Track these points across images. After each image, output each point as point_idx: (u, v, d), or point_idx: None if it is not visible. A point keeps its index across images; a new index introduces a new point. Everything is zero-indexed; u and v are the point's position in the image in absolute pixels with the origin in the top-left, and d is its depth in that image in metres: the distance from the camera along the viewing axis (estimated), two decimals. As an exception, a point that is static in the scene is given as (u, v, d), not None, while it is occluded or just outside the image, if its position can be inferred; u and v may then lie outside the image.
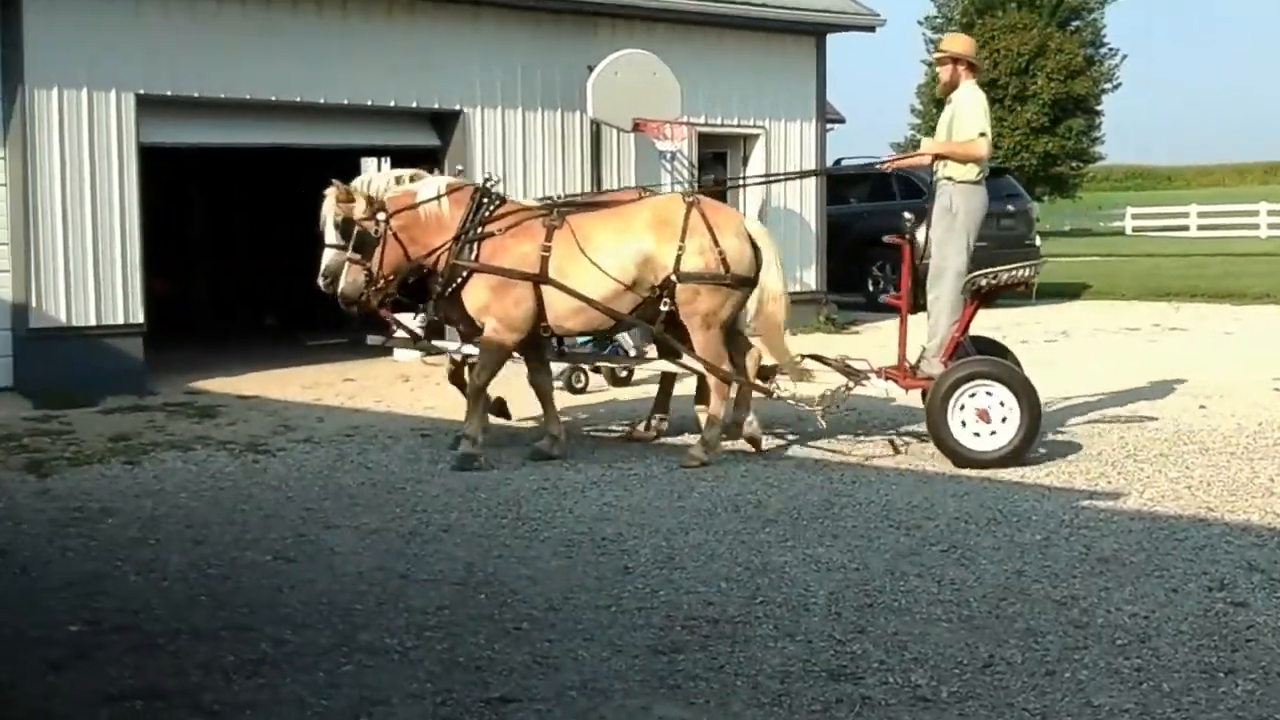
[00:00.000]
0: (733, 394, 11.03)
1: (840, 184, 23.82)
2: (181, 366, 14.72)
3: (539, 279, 10.55)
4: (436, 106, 16.84)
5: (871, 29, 21.21)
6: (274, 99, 15.58)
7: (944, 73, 11.22)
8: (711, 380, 10.82)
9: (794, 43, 20.18)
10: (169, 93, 14.79)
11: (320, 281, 10.69)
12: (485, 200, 10.78)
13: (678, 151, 18.28)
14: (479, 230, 10.63)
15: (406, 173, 11.07)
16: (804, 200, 20.28)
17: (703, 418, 10.98)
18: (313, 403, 13.82)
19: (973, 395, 10.41)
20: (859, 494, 9.63)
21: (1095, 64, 55.83)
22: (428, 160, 17.03)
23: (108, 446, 11.25)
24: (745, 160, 19.88)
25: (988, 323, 20.70)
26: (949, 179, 10.99)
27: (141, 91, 14.57)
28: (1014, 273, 11.04)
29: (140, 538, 8.49)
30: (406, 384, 13.80)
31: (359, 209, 10.44)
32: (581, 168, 17.91)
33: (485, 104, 17.07)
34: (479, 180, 11.31)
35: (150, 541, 8.37)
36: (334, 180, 10.81)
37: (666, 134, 17.81)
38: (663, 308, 10.68)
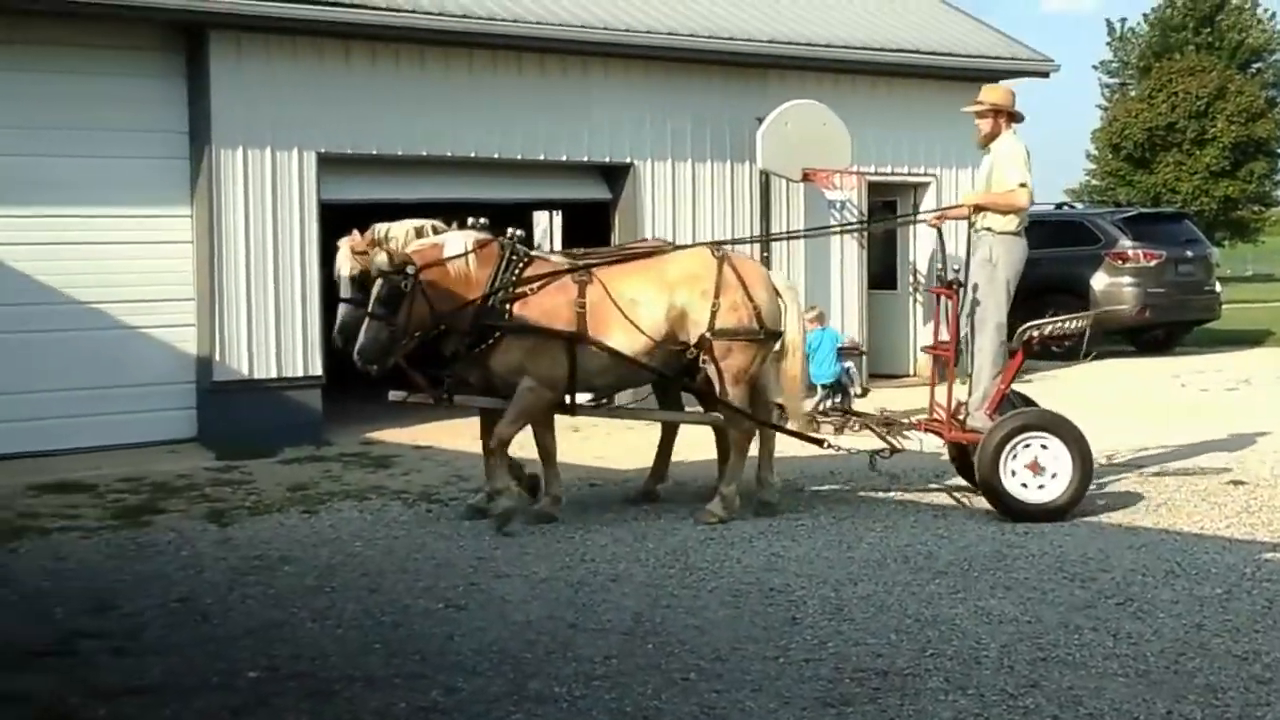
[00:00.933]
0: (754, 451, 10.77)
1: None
2: (356, 418, 15.03)
3: (577, 338, 10.22)
4: (607, 160, 17.00)
5: (1045, 75, 20.96)
6: (449, 155, 15.87)
7: (984, 124, 11.02)
8: (733, 435, 10.62)
9: (964, 89, 19.87)
10: (349, 150, 15.15)
11: (336, 339, 10.23)
12: (514, 256, 10.34)
13: (847, 201, 18.24)
14: (511, 288, 10.21)
15: (426, 223, 10.58)
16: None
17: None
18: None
19: (1027, 446, 10.24)
20: (1031, 545, 9.48)
21: (1277, 106, 54.52)
22: (600, 213, 17.25)
23: (286, 496, 11.51)
24: (915, 208, 19.73)
25: (1167, 369, 20.31)
26: (988, 229, 10.76)
27: (322, 150, 14.94)
28: (1063, 325, 11.11)
29: (317, 586, 8.66)
30: (577, 434, 13.91)
31: (381, 261, 9.88)
32: (751, 218, 17.93)
33: (655, 156, 17.20)
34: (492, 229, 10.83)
35: (326, 589, 8.55)
36: (353, 230, 10.45)
37: (836, 183, 17.78)
38: (701, 363, 10.47)
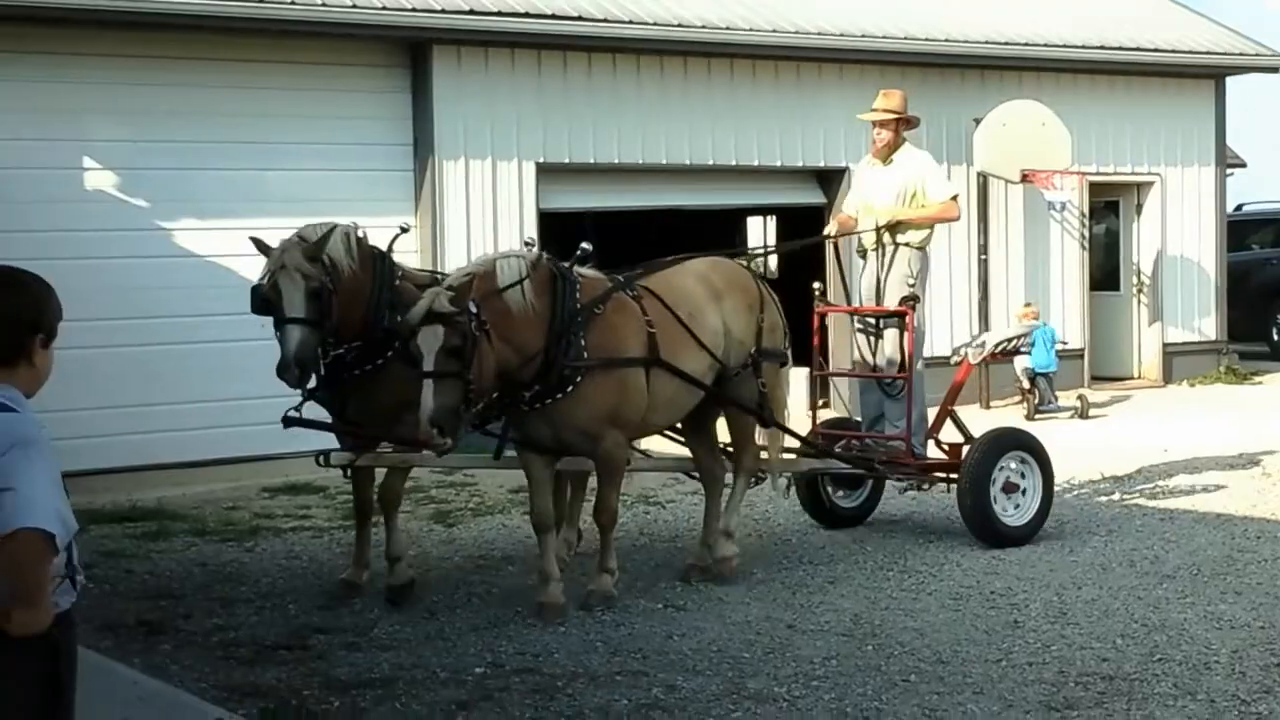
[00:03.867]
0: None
1: (1244, 230, 22.88)
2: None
3: (654, 363, 8.29)
4: (822, 164, 16.95)
5: (1275, 70, 20.32)
6: (664, 162, 15.99)
7: (886, 133, 10.09)
8: (743, 472, 9.17)
9: (1190, 86, 19.51)
10: (566, 160, 15.37)
11: (425, 428, 7.49)
12: (565, 276, 8.17)
13: (1067, 202, 17.92)
14: (578, 315, 8.05)
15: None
16: (1202, 247, 19.54)
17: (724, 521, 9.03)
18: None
19: (1001, 469, 9.69)
20: (1263, 549, 9.22)
21: None
22: (814, 217, 17.22)
23: (508, 498, 11.71)
24: (1139, 209, 19.29)
25: None
26: (907, 245, 9.99)
27: (541, 159, 15.18)
28: (1006, 342, 10.96)
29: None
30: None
31: (441, 303, 7.53)
32: (967, 221, 17.71)
33: (871, 160, 17.10)
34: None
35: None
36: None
37: (1056, 184, 17.48)
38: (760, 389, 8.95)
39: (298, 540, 10.40)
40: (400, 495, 8.87)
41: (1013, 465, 9.75)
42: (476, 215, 14.80)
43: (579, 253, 8.40)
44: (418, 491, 12.15)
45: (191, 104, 13.39)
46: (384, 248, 8.74)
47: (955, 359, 11.07)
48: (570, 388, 7.97)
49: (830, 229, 10.50)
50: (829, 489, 10.36)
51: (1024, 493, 9.77)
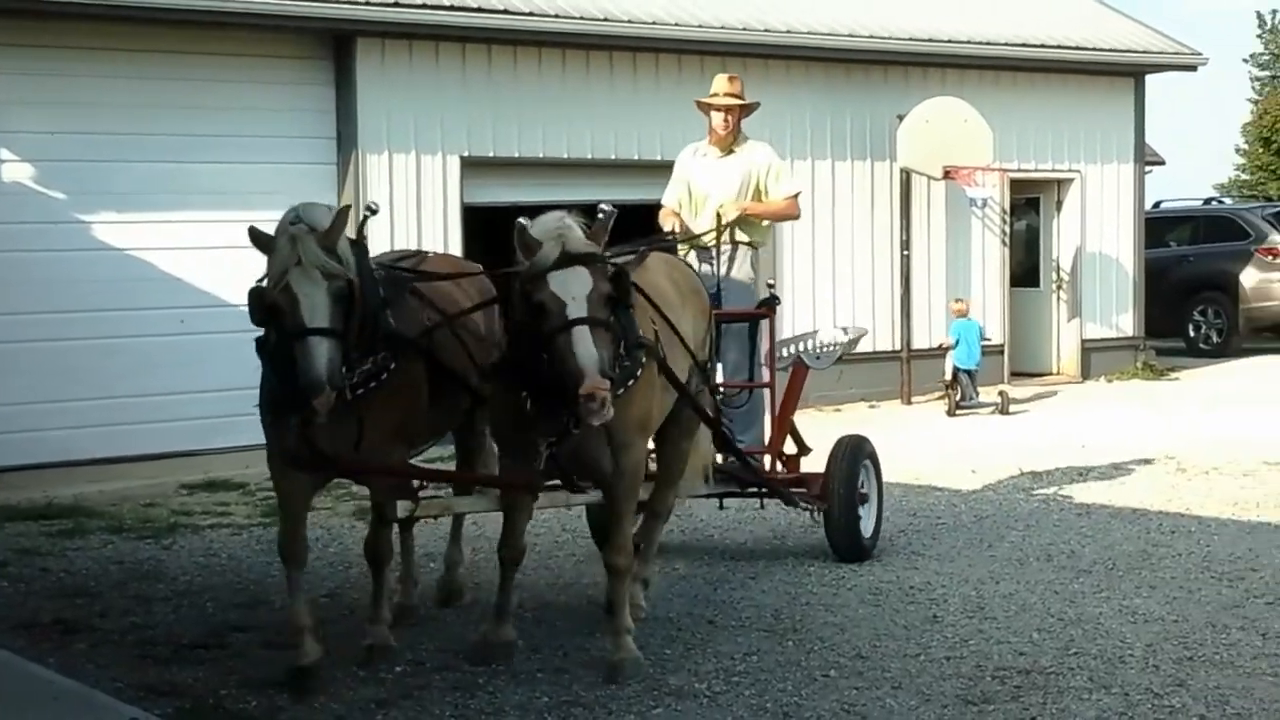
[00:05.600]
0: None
1: (1162, 227, 23.17)
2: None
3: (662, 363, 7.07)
4: (747, 160, 17.00)
5: (1193, 68, 20.57)
6: (590, 157, 15.98)
7: (730, 120, 9.18)
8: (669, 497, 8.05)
9: (1110, 84, 19.73)
10: (491, 154, 15.33)
11: (595, 379, 6.09)
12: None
13: (989, 199, 18.06)
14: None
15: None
16: (1121, 244, 19.77)
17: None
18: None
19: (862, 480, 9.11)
20: (1177, 544, 9.35)
21: None
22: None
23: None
24: (1059, 205, 19.49)
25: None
26: (749, 244, 9.24)
27: (466, 153, 15.13)
28: (834, 344, 9.69)
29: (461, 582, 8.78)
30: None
31: (577, 239, 6.52)
32: (891, 217, 17.84)
33: (795, 155, 17.11)
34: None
35: (470, 585, 8.65)
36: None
37: (977, 181, 17.62)
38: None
39: (216, 538, 10.31)
40: (392, 549, 7.50)
41: (862, 475, 9.18)
42: (400, 209, 14.72)
43: (600, 215, 6.96)
44: (339, 488, 12.07)
45: (112, 95, 13.27)
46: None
47: (783, 364, 9.43)
48: (631, 381, 6.66)
49: (670, 224, 9.05)
50: None
51: (869, 503, 9.19)
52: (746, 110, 9.31)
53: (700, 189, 9.25)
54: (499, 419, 7.11)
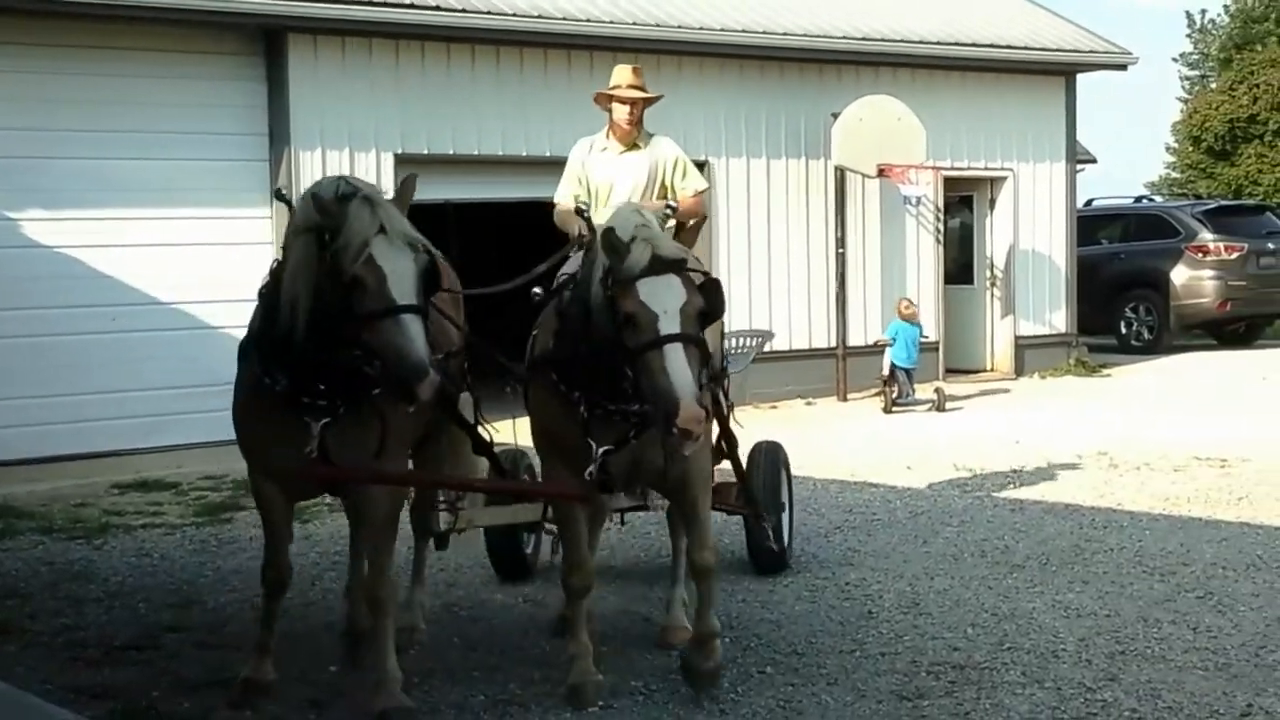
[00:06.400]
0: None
1: (1094, 225, 23.37)
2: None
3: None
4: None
5: (1123, 67, 20.77)
6: (524, 154, 15.94)
7: (636, 113, 8.48)
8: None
9: (1042, 83, 19.88)
10: (425, 151, 15.26)
11: (692, 407, 5.61)
12: None
13: (923, 197, 18.15)
14: None
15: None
16: (1053, 242, 19.92)
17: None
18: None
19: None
20: (1109, 539, 9.43)
21: (1362, 96, 53.66)
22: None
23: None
24: (992, 203, 19.63)
25: (1248, 363, 20.05)
26: None
27: (399, 150, 15.06)
28: (745, 348, 9.16)
29: (396, 581, 8.72)
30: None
31: (669, 245, 6.22)
32: (826, 215, 17.89)
33: (730, 153, 17.20)
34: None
35: (406, 585, 8.57)
36: None
37: (911, 179, 17.71)
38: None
39: (149, 538, 10.21)
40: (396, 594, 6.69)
41: (783, 485, 8.86)
42: (333, 206, 14.61)
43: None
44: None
45: (41, 91, 13.13)
46: None
47: None
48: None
49: (575, 227, 7.73)
50: None
51: (785, 512, 8.85)
52: (649, 103, 8.62)
53: (601, 186, 8.30)
54: (546, 424, 6.55)
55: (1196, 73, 58.15)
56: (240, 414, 6.37)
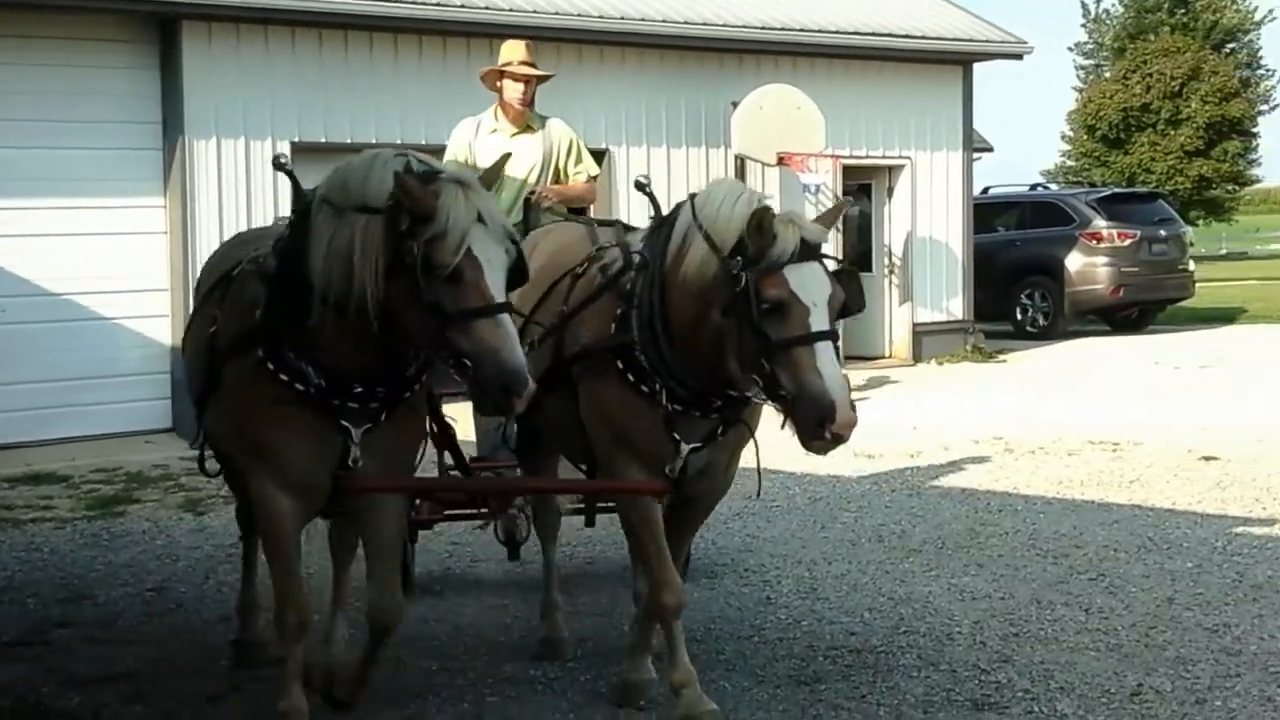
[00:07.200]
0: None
1: (991, 213, 23.64)
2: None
3: None
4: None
5: (1019, 56, 21.01)
6: (424, 142, 15.80)
7: (528, 91, 8.18)
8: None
9: (939, 72, 20.05)
10: (322, 139, 15.12)
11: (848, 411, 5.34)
12: None
13: (822, 185, 18.25)
14: None
15: None
16: (950, 229, 20.12)
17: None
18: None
19: None
20: (1004, 522, 9.53)
21: (1251, 86, 54.68)
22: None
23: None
24: (890, 191, 19.78)
25: (1140, 348, 20.38)
26: None
27: (296, 139, 14.90)
28: None
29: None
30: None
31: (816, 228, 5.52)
32: (726, 203, 17.93)
33: (630, 142, 17.20)
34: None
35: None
36: None
37: (811, 167, 17.80)
38: None
39: (39, 531, 10.05)
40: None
41: None
42: (230, 195, 14.48)
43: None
44: (167, 480, 11.87)
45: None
46: None
47: None
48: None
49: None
50: None
51: None
52: (542, 80, 8.28)
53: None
54: (615, 418, 5.79)
55: (1091, 62, 58.96)
56: (247, 418, 5.51)
